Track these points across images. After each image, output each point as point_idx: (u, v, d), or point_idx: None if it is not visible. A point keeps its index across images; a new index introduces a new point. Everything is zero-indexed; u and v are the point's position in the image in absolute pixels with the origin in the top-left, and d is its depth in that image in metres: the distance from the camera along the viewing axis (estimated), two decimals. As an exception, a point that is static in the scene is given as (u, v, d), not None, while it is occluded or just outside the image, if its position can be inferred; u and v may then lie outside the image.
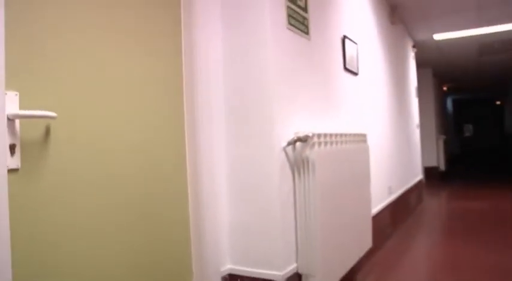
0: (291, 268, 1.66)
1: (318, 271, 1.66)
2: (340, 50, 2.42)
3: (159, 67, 1.51)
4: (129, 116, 1.36)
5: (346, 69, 2.48)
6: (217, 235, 1.66)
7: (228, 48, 1.73)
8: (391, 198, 3.45)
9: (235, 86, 1.71)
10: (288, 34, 1.77)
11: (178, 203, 1.57)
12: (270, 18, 1.64)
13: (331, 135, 1.86)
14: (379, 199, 3.09)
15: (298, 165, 1.72)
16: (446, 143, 8.34)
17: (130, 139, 1.36)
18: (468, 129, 17.79)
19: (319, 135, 1.73)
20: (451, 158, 10.99)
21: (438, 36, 5.21)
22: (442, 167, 7.65)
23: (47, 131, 1.09)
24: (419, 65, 6.78)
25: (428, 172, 7.30)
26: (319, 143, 1.73)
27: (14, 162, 1.00)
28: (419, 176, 5.16)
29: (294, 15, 1.82)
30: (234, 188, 1.72)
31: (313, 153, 1.67)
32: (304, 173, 1.70)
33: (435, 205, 4.87)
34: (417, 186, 4.83)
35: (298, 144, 1.72)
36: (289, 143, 1.69)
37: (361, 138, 2.32)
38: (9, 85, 0.99)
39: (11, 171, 0.99)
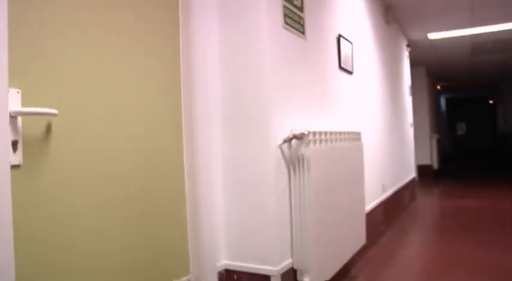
0: (286, 263, 1.70)
1: (313, 266, 1.69)
2: (335, 49, 2.45)
3: (158, 67, 1.53)
4: (128, 115, 1.38)
5: (341, 68, 2.52)
6: (213, 231, 1.69)
7: (225, 47, 1.76)
8: (384, 195, 3.49)
9: (232, 85, 1.73)
10: (284, 33, 1.79)
11: (176, 201, 1.59)
12: (267, 18, 1.66)
13: (326, 133, 1.89)
14: (373, 196, 3.13)
15: (294, 162, 1.75)
16: (439, 142, 8.42)
17: (129, 138, 1.38)
18: (461, 128, 17.95)
19: (314, 133, 1.76)
20: (444, 156, 11.10)
21: (432, 36, 5.26)
22: (435, 165, 7.72)
23: (48, 129, 1.11)
24: (413, 64, 6.84)
25: (422, 170, 7.37)
26: (315, 141, 1.76)
27: (16, 158, 1.02)
28: (412, 174, 5.22)
29: (290, 15, 1.85)
30: (231, 186, 1.74)
31: (308, 150, 1.70)
32: (299, 170, 1.73)
33: (428, 203, 4.93)
34: (410, 184, 4.89)
35: (293, 142, 1.75)
36: (284, 141, 1.72)
37: (356, 136, 2.35)
38: (12, 83, 1.01)
39: (13, 167, 1.01)
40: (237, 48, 1.72)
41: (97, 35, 1.27)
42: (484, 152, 15.12)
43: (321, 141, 1.83)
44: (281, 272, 1.65)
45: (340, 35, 2.50)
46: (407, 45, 5.32)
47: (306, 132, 1.70)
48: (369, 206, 2.94)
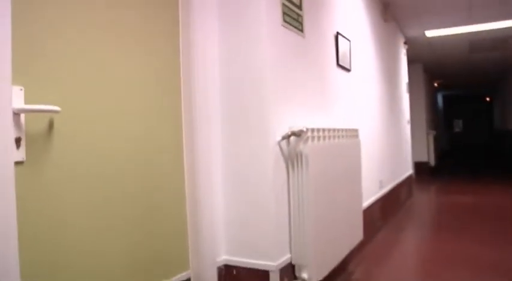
0: (284, 259, 1.72)
1: (311, 261, 1.72)
2: (333, 47, 2.47)
3: (158, 66, 1.54)
4: (129, 114, 1.39)
5: (339, 65, 2.53)
6: (213, 228, 1.70)
7: (224, 45, 1.77)
8: (381, 192, 3.52)
9: (231, 83, 1.75)
10: (282, 31, 1.81)
11: (176, 198, 1.61)
12: (266, 16, 1.67)
13: (324, 130, 1.91)
14: (370, 193, 3.16)
15: (292, 159, 1.77)
16: (436, 139, 8.46)
17: (129, 136, 1.39)
18: (458, 125, 18.02)
19: (312, 130, 1.78)
20: (441, 153, 11.14)
21: (430, 33, 5.29)
22: (432, 162, 7.77)
23: (50, 126, 1.12)
24: (411, 61, 6.86)
25: (419, 166, 7.41)
26: (313, 138, 1.78)
27: (20, 155, 1.03)
28: (409, 170, 5.26)
29: (289, 13, 1.86)
30: (230, 182, 1.76)
31: (306, 147, 1.72)
32: (298, 166, 1.75)
33: (425, 199, 4.97)
34: (407, 180, 4.92)
35: (292, 138, 1.77)
36: (283, 138, 1.74)
37: (353, 133, 2.37)
38: (14, 80, 1.02)
39: (16, 163, 1.02)
40: (236, 46, 1.73)
41: (97, 35, 1.28)
42: (480, 149, 15.20)
43: (319, 138, 1.85)
44: (279, 267, 1.68)
45: (338, 33, 2.51)
46: (405, 43, 5.34)
47: (305, 129, 1.72)
48: (366, 202, 2.97)
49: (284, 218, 1.75)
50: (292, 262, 1.76)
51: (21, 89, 1.04)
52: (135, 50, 1.43)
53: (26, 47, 1.06)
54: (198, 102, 1.65)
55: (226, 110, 1.77)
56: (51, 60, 1.12)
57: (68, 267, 1.15)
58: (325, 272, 1.83)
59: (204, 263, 1.65)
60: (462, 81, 11.00)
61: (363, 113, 3.07)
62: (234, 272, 1.73)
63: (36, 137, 1.08)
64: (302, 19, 1.99)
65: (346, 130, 2.23)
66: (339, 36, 2.52)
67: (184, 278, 1.62)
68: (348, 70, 2.72)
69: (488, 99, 16.27)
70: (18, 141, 1.03)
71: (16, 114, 1.02)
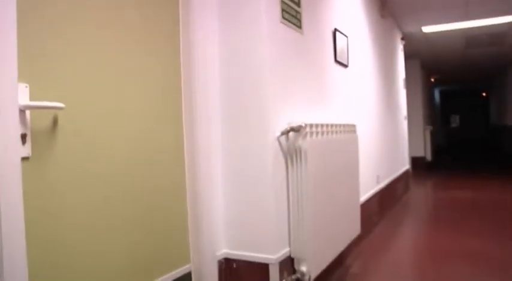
0: (283, 252, 1.75)
1: (309, 255, 1.75)
2: (331, 43, 2.49)
3: (159, 65, 1.56)
4: (129, 112, 1.41)
5: (336, 61, 2.56)
6: (213, 222, 1.73)
7: (224, 43, 1.79)
8: (379, 187, 3.56)
9: (232, 82, 1.77)
10: (281, 28, 1.83)
11: (177, 195, 1.64)
12: (266, 13, 1.69)
13: (322, 125, 1.94)
14: (368, 188, 3.19)
15: (291, 154, 1.79)
16: (433, 134, 8.51)
17: (131, 134, 1.41)
18: (455, 120, 18.10)
19: (311, 126, 1.81)
20: (437, 148, 11.21)
21: (427, 29, 5.31)
22: (429, 157, 7.82)
23: (55, 122, 1.14)
24: (408, 57, 6.88)
25: (415, 162, 7.46)
26: (311, 133, 1.81)
27: (25, 150, 1.05)
28: (406, 166, 5.30)
29: (288, 10, 1.88)
30: (231, 177, 1.79)
31: (305, 142, 1.74)
32: (296, 161, 1.77)
33: (421, 194, 5.02)
34: (404, 175, 4.97)
35: (291, 134, 1.80)
36: (282, 133, 1.76)
37: (351, 128, 2.40)
38: (19, 77, 1.04)
39: (22, 159, 1.04)
40: (235, 43, 1.75)
41: (97, 34, 1.29)
42: (477, 144, 15.28)
43: (317, 133, 1.87)
44: (279, 260, 1.71)
45: (336, 29, 2.53)
46: (402, 39, 5.36)
47: (303, 125, 1.75)
48: (364, 197, 3.01)
49: (283, 212, 1.78)
50: (291, 255, 1.80)
51: (26, 86, 1.06)
52: (135, 49, 1.44)
53: (29, 45, 1.07)
54: (198, 100, 1.67)
55: (226, 108, 1.79)
56: (51, 59, 1.14)
57: (69, 266, 1.16)
58: (323, 265, 1.87)
59: (205, 257, 1.68)
60: (459, 77, 11.05)
61: (360, 108, 3.10)
62: (234, 266, 1.76)
63: (41, 134, 1.10)
64: (300, 16, 2.01)
65: (343, 126, 2.26)
66: (337, 33, 2.54)
67: (185, 272, 1.65)
68: (346, 66, 2.75)
69: (484, 94, 16.34)
70: (24, 137, 1.05)
71: (22, 111, 1.04)
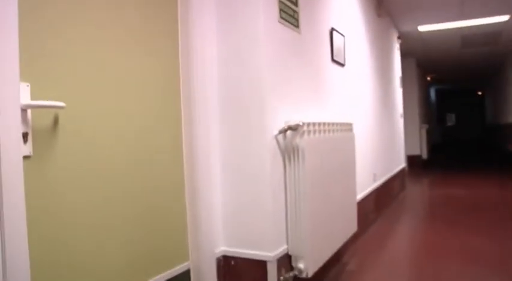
0: (281, 250, 1.77)
1: (307, 252, 1.77)
2: (328, 42, 2.51)
3: (158, 65, 1.57)
4: (128, 112, 1.42)
5: (333, 60, 2.57)
6: (212, 221, 1.75)
7: (222, 42, 1.80)
8: (375, 185, 3.59)
9: (230, 80, 1.78)
10: (279, 28, 1.84)
11: (176, 194, 1.65)
12: (264, 12, 1.71)
13: (319, 124, 1.96)
14: (364, 186, 3.22)
15: (289, 152, 1.81)
16: (429, 132, 8.55)
17: (131, 135, 1.42)
18: (450, 119, 18.19)
19: (308, 124, 1.82)
20: (433, 147, 11.26)
21: (422, 28, 5.34)
22: (425, 155, 7.86)
23: (55, 122, 1.15)
24: (404, 56, 6.92)
25: (411, 160, 7.50)
26: (309, 132, 1.82)
27: (27, 149, 1.06)
28: (402, 164, 5.33)
29: (285, 9, 1.89)
30: (229, 176, 1.80)
31: (303, 141, 1.76)
32: (294, 160, 1.79)
33: (417, 192, 5.05)
34: (400, 173, 5.00)
35: (289, 132, 1.81)
36: (280, 132, 1.78)
37: (348, 127, 2.42)
38: (21, 77, 1.05)
39: (24, 158, 1.05)
40: (233, 43, 1.77)
41: (97, 34, 1.30)
42: (473, 143, 15.36)
43: (314, 132, 1.89)
44: (277, 257, 1.73)
45: (333, 28, 2.55)
46: (398, 37, 5.39)
47: (301, 124, 1.76)
48: (361, 195, 3.03)
49: (281, 210, 1.80)
50: (289, 253, 1.82)
51: (27, 86, 1.07)
52: (135, 49, 1.45)
53: (28, 46, 1.08)
54: (197, 100, 1.68)
55: (224, 107, 1.80)
56: (51, 59, 1.15)
57: (70, 265, 1.18)
58: (320, 262, 1.89)
59: (203, 255, 1.70)
60: (454, 76, 11.11)
61: (357, 107, 3.12)
62: (233, 263, 1.78)
63: (41, 133, 1.11)
64: (298, 15, 2.03)
65: (340, 124, 2.28)
66: (334, 32, 2.56)
67: (184, 270, 1.66)
68: (342, 65, 2.77)
69: (480, 93, 16.42)
70: (25, 136, 1.06)
71: (23, 110, 1.05)
